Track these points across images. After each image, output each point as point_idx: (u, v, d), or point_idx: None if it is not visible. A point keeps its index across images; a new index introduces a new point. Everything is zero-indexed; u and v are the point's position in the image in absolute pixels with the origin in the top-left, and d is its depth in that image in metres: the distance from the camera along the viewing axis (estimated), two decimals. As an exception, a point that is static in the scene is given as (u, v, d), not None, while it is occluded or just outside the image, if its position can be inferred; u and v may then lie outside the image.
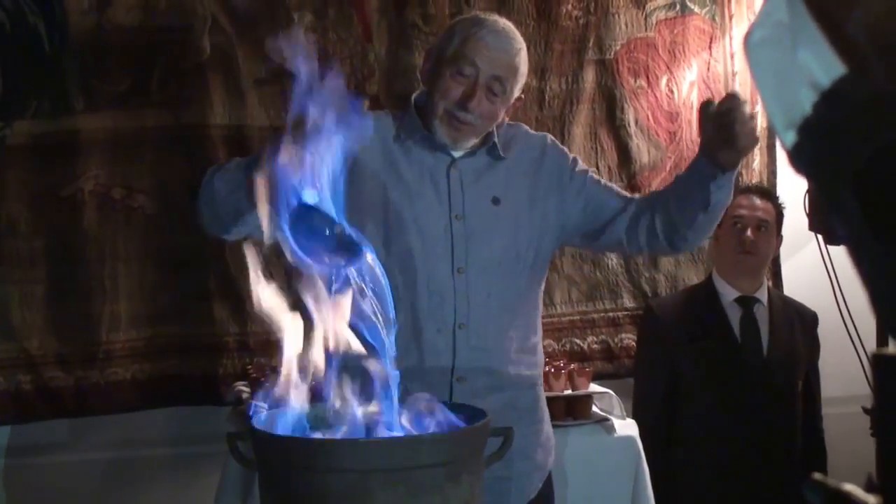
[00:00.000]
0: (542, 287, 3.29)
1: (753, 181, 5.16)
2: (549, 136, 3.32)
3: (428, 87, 3.12)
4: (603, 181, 3.32)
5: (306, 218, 2.18)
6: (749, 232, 4.37)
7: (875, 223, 1.08)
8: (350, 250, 2.19)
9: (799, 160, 1.14)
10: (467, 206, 3.07)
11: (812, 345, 4.55)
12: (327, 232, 2.18)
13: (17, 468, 4.72)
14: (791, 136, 1.13)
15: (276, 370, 2.24)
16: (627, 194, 3.32)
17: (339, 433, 2.10)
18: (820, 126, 1.10)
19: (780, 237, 4.56)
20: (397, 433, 2.11)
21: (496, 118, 3.10)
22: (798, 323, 4.49)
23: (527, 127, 3.35)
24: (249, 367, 4.60)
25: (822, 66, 1.08)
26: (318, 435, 2.12)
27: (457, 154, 3.10)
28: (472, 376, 3.02)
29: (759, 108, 5.26)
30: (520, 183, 3.15)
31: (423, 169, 3.07)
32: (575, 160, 3.28)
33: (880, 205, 1.07)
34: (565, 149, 3.34)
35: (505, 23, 3.12)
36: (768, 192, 4.58)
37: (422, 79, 3.25)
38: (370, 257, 2.20)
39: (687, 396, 4.39)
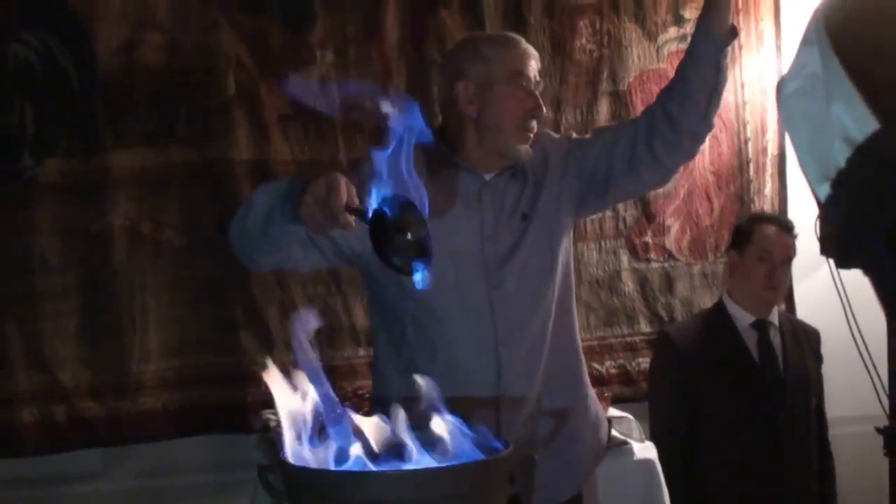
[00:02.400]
0: (572, 279, 3.26)
1: (765, 207, 5.14)
2: (548, 132, 3.34)
3: (478, 111, 3.06)
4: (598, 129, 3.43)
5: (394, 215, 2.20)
6: (779, 269, 4.37)
7: None
8: (423, 254, 2.21)
9: (833, 213, 1.11)
10: (500, 225, 3.07)
11: (818, 362, 4.54)
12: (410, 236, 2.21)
13: (51, 498, 4.70)
14: (825, 189, 1.11)
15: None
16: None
17: (369, 465, 2.07)
18: (854, 181, 1.07)
19: None
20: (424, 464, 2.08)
21: (542, 118, 3.13)
22: (805, 342, 4.50)
23: (549, 132, 3.35)
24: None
25: (856, 120, 1.05)
26: (346, 466, 2.09)
27: (487, 176, 3.09)
28: (517, 385, 3.02)
29: (770, 136, 5.25)
30: (545, 194, 3.12)
31: (454, 195, 3.05)
32: (569, 137, 3.34)
33: None
34: (553, 135, 3.34)
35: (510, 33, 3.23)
36: (790, 226, 4.55)
37: (465, 108, 3.11)
38: None
39: (708, 420, 4.36)
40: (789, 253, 4.41)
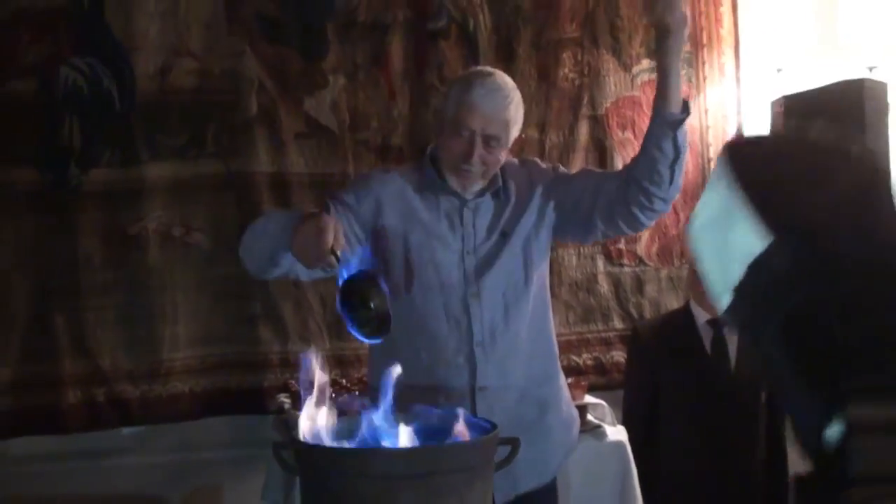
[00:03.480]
0: (547, 286, 3.22)
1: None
2: (531, 160, 3.29)
3: (438, 142, 3.08)
4: (583, 172, 3.31)
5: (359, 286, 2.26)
6: None
7: (794, 367, 1.11)
8: (382, 326, 2.24)
9: (733, 318, 1.18)
10: (479, 242, 3.04)
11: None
12: (372, 305, 2.27)
13: (91, 470, 4.72)
14: (726, 298, 1.17)
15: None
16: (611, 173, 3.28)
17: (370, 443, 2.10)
18: (749, 289, 1.13)
19: None
20: (420, 443, 2.10)
21: (499, 163, 3.04)
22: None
23: (530, 161, 3.29)
24: (290, 380, 4.60)
25: (753, 240, 1.11)
26: (351, 444, 2.11)
27: (468, 196, 3.06)
28: (493, 384, 2.99)
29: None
30: (520, 213, 3.08)
31: (440, 212, 3.04)
32: (556, 168, 3.23)
33: (800, 352, 1.11)
34: (541, 163, 3.25)
35: (494, 80, 3.00)
36: None
37: (435, 132, 3.22)
38: None
39: (667, 407, 4.38)
40: None
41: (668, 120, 2.85)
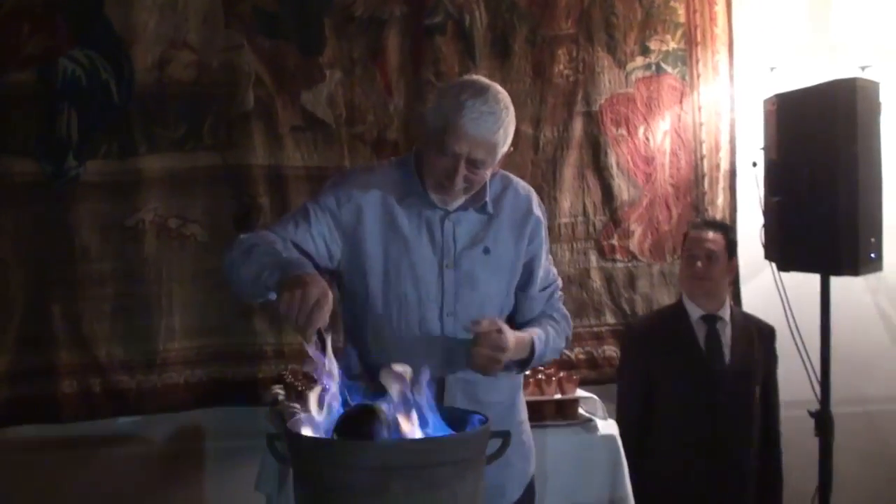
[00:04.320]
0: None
1: (717, 215, 5.18)
2: (535, 198, 3.12)
3: (422, 152, 2.92)
4: (541, 273, 3.14)
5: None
6: (699, 263, 4.38)
7: None
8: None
9: None
10: (459, 256, 2.92)
11: (769, 356, 4.52)
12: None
13: (86, 459, 4.74)
14: None
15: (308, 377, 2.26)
16: (539, 293, 3.14)
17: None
18: None
19: (733, 260, 4.56)
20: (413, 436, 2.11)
21: (483, 181, 2.90)
22: (757, 337, 4.47)
23: (516, 180, 3.12)
24: (284, 372, 4.60)
25: None
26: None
27: (451, 208, 2.93)
28: (459, 406, 2.80)
29: (722, 153, 5.28)
30: (507, 236, 2.99)
31: (420, 222, 2.92)
32: (545, 239, 3.12)
33: None
34: (543, 226, 3.11)
35: (487, 101, 2.79)
36: (717, 224, 4.58)
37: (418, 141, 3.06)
38: None
39: (661, 402, 4.39)
40: (710, 247, 4.38)
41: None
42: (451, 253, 2.93)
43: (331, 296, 2.36)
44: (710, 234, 4.42)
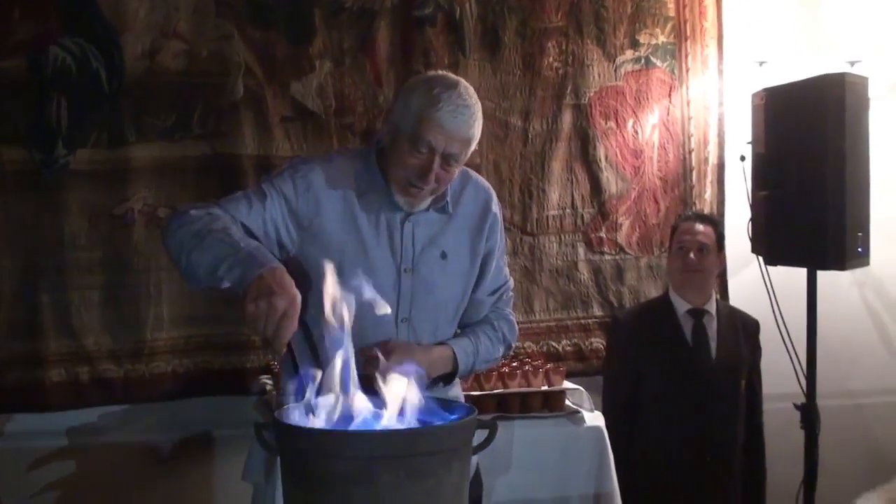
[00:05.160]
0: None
1: (705, 209, 5.19)
2: (494, 198, 3.07)
3: (388, 148, 2.84)
4: (492, 272, 3.09)
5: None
6: (692, 255, 4.39)
7: None
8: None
9: None
10: (417, 260, 2.86)
11: (754, 349, 4.55)
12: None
13: (74, 448, 4.74)
14: None
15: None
16: (491, 297, 3.11)
17: (350, 424, 2.11)
18: None
19: (722, 253, 4.58)
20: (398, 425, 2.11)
21: (451, 180, 2.85)
22: (742, 330, 4.49)
23: (473, 175, 3.07)
24: (272, 362, 4.61)
25: None
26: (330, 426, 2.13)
27: (413, 210, 2.87)
28: None
29: (711, 147, 5.29)
30: (465, 238, 2.96)
31: (379, 222, 2.84)
32: (500, 242, 3.08)
33: None
34: (500, 224, 3.08)
35: (459, 94, 2.74)
36: (707, 218, 4.59)
37: (382, 136, 2.93)
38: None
39: (647, 394, 4.41)
40: (701, 239, 4.41)
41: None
42: (410, 257, 2.86)
43: (299, 300, 2.28)
44: (702, 227, 4.43)
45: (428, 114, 2.71)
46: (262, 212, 2.76)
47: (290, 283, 2.32)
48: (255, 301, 2.27)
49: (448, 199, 2.92)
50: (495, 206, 3.06)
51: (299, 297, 2.29)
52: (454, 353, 2.94)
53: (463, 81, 2.81)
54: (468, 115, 2.74)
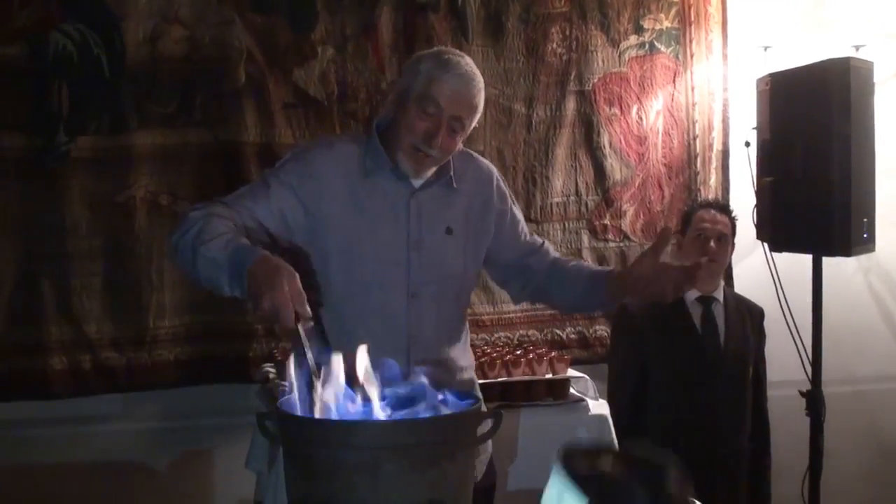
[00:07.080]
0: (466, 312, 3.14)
1: (709, 195, 5.16)
2: (496, 173, 3.12)
3: (395, 116, 2.89)
4: (524, 234, 3.14)
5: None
6: (712, 243, 4.34)
7: None
8: None
9: None
10: (424, 236, 2.88)
11: (759, 336, 4.53)
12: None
13: (76, 436, 4.73)
14: None
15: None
16: (537, 246, 3.13)
17: (354, 414, 2.09)
18: None
19: (733, 244, 4.56)
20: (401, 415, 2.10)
21: (454, 150, 2.89)
22: (748, 318, 4.47)
23: (476, 155, 3.13)
24: (275, 350, 4.60)
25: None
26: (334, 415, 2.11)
27: (417, 184, 2.89)
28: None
29: (715, 133, 5.27)
30: (470, 215, 2.98)
31: (385, 200, 2.86)
32: (513, 205, 3.13)
33: None
34: (507, 190, 3.12)
35: (467, 63, 2.84)
36: (725, 207, 4.55)
37: (388, 107, 3.00)
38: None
39: (655, 382, 4.38)
40: (721, 229, 4.36)
41: (607, 305, 3.29)
42: (417, 232, 2.88)
43: (292, 270, 2.28)
44: (720, 216, 4.39)
45: (437, 75, 2.79)
46: (269, 203, 2.78)
47: (275, 262, 2.32)
48: (259, 299, 2.27)
49: (452, 173, 2.94)
50: (501, 182, 3.11)
51: (291, 269, 2.29)
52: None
53: (466, 57, 2.90)
54: (475, 81, 2.83)
